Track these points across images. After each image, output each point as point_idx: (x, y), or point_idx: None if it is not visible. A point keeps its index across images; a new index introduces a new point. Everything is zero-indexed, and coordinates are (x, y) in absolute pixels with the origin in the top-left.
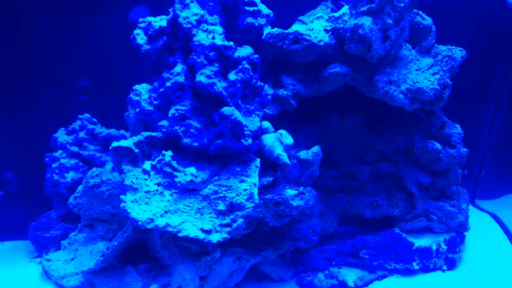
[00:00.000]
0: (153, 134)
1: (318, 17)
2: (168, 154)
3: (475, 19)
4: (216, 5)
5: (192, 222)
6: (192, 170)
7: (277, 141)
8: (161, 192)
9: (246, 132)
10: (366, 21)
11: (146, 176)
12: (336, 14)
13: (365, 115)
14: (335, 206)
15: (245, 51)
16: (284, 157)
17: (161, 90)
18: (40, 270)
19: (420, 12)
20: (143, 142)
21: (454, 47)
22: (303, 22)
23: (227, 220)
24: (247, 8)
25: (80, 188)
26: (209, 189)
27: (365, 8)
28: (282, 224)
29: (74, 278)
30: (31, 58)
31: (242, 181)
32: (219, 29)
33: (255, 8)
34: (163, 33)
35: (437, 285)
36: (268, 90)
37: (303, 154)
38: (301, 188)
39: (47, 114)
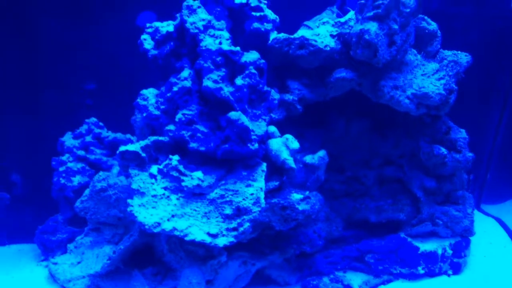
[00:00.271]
0: (160, 138)
1: (324, 22)
2: (175, 158)
3: (480, 24)
4: (223, 10)
5: (199, 226)
6: (198, 174)
7: (283, 145)
8: (168, 196)
9: (253, 137)
10: (372, 26)
11: (153, 180)
12: (342, 20)
13: (371, 120)
14: (340, 210)
15: (251, 56)
16: (290, 162)
17: (168, 94)
18: (47, 274)
19: (426, 18)
20: (150, 147)
21: (459, 52)
22: (309, 27)
23: (233, 224)
24: (253, 13)
25: (87, 192)
26: (216, 193)
27: (371, 14)
28: (288, 228)
29: (81, 281)
30: (39, 63)
31: (249, 185)
32: (226, 34)
33: (262, 14)
34: (170, 38)
35: None
36: (275, 95)
37: (309, 158)
38: (307, 192)
39: (54, 118)
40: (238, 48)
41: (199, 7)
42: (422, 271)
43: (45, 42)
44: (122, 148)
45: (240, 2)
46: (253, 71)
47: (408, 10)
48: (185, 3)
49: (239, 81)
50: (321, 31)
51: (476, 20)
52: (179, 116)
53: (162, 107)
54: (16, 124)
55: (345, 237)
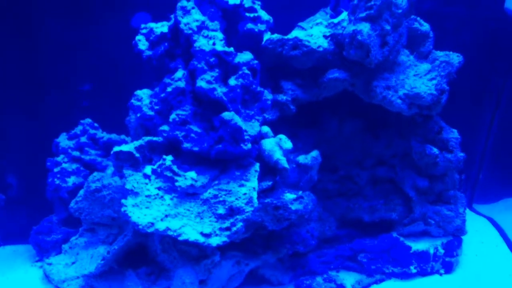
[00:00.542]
0: (154, 138)
1: (317, 23)
2: (168, 158)
3: (473, 25)
4: (217, 11)
5: (192, 226)
6: (192, 174)
7: (277, 145)
8: (162, 196)
9: (246, 137)
10: (365, 27)
11: (147, 181)
12: (335, 20)
13: (364, 120)
14: (333, 210)
15: (245, 56)
16: (283, 162)
17: (162, 95)
18: (41, 274)
19: (418, 18)
20: (144, 147)
21: (451, 52)
22: (303, 28)
23: (226, 224)
24: (247, 14)
25: (81, 192)
26: (209, 193)
27: (363, 15)
28: (281, 228)
29: (75, 282)
30: (34, 64)
31: (242, 185)
32: (220, 35)
33: (255, 15)
34: (165, 39)
35: None
36: (268, 95)
37: (302, 158)
38: (300, 192)
39: (50, 119)
40: (231, 49)
41: (193, 8)
42: (414, 270)
43: (41, 44)
44: (116, 148)
45: (234, 3)
46: (247, 71)
47: (400, 11)
48: (179, 4)
49: (232, 81)
50: (314, 32)
51: (469, 21)
52: (173, 116)
53: (156, 107)
54: (11, 125)
55: (338, 236)
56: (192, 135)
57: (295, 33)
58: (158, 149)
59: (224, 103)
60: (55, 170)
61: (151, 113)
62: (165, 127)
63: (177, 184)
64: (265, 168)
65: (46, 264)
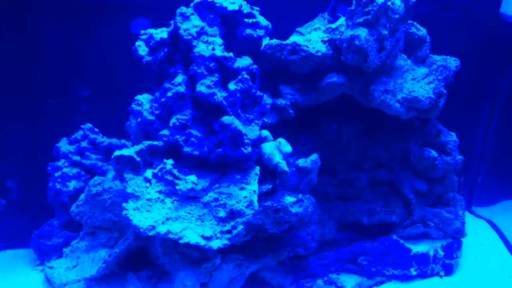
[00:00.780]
0: (155, 143)
1: (315, 29)
2: (169, 162)
3: (469, 30)
4: (216, 17)
5: (193, 229)
6: (192, 178)
7: (276, 149)
8: (163, 200)
9: (246, 141)
10: (362, 32)
11: (148, 184)
12: (333, 26)
13: (362, 123)
14: (333, 213)
15: (244, 61)
16: (283, 165)
17: (162, 100)
18: (42, 278)
19: (415, 23)
20: (144, 151)
21: (448, 57)
22: (301, 34)
23: (227, 226)
24: (246, 20)
25: (82, 196)
26: (210, 196)
27: (361, 20)
28: (281, 230)
29: (76, 285)
30: (35, 70)
31: (242, 188)
32: (219, 40)
33: (254, 20)
34: (164, 45)
35: None
36: (267, 100)
37: (301, 162)
38: (300, 195)
39: (50, 124)
40: (231, 54)
41: (192, 14)
42: (414, 273)
43: (41, 50)
44: (117, 152)
45: (233, 9)
46: (246, 76)
47: (397, 16)
48: (178, 10)
49: (232, 86)
50: (312, 37)
51: (465, 26)
52: (173, 121)
53: (157, 112)
54: (12, 130)
55: (338, 239)
56: (192, 139)
57: (294, 38)
58: (159, 153)
59: (224, 107)
60: (56, 174)
61: (151, 117)
62: (166, 132)
63: (177, 187)
64: (265, 172)
65: (47, 268)
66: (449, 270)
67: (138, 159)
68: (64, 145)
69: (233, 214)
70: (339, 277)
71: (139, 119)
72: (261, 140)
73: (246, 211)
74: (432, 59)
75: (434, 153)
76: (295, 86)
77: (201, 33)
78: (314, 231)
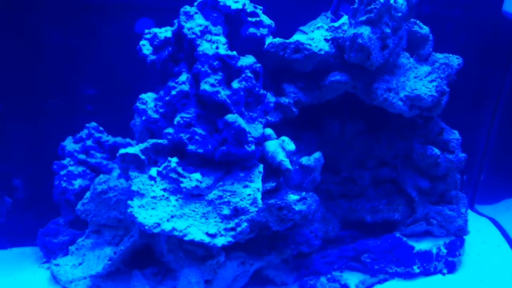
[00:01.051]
0: (159, 141)
1: (318, 27)
2: (173, 160)
3: (471, 28)
4: (219, 16)
5: (198, 226)
6: (197, 176)
7: (280, 147)
8: (167, 198)
9: (250, 139)
10: (365, 30)
11: (152, 182)
12: (336, 24)
13: (365, 121)
14: (336, 211)
15: (247, 60)
16: (287, 163)
17: (166, 98)
18: (49, 275)
19: (418, 22)
20: (149, 149)
21: (451, 55)
22: (304, 32)
23: (231, 224)
24: (249, 19)
25: (87, 194)
26: (214, 194)
27: (363, 18)
28: (284, 228)
29: (82, 282)
30: (40, 69)
31: (246, 186)
32: (223, 39)
33: (257, 19)
34: (168, 44)
35: None
36: (271, 98)
37: (305, 160)
38: (303, 193)
39: (55, 123)
40: (234, 53)
41: (196, 13)
42: (417, 270)
43: (46, 50)
44: (122, 151)
45: (236, 8)
46: (249, 74)
47: (399, 14)
48: (182, 9)
49: (235, 84)
50: (315, 36)
51: (467, 24)
52: (177, 119)
53: (161, 110)
54: (17, 129)
55: (341, 237)
56: (197, 137)
57: (297, 37)
58: (163, 152)
59: (227, 105)
60: (62, 173)
61: (156, 116)
62: (170, 130)
63: (182, 185)
64: (268, 170)
65: (54, 265)
66: (452, 267)
67: (143, 157)
68: (69, 144)
69: (237, 212)
70: (342, 275)
71: (143, 118)
72: (264, 138)
73: (250, 209)
74: (434, 57)
75: (436, 151)
76: (298, 85)
77: (205, 32)
78: (317, 229)
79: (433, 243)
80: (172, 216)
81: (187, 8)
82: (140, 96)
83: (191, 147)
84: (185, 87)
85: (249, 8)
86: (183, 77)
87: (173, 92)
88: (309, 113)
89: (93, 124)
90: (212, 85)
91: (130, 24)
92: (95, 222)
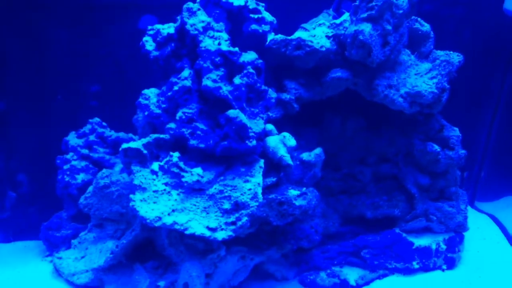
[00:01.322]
0: (161, 136)
1: (320, 24)
2: (175, 155)
3: (472, 25)
4: (222, 12)
5: (199, 220)
6: (198, 170)
7: (281, 143)
8: (169, 192)
9: (251, 134)
10: (366, 27)
11: (154, 176)
12: (337, 21)
13: (366, 118)
14: (337, 207)
15: (249, 56)
16: (287, 158)
17: (169, 94)
18: (51, 268)
19: (419, 19)
20: (151, 144)
21: (451, 52)
22: (306, 29)
23: (232, 218)
24: (251, 15)
25: (90, 188)
26: (215, 188)
27: (365, 15)
28: (285, 223)
29: (84, 275)
30: (45, 66)
31: (247, 181)
32: (225, 35)
33: (259, 16)
34: (171, 40)
35: (437, 284)
36: (272, 94)
37: (305, 155)
38: (304, 188)
39: (59, 119)
40: (236, 49)
41: (198, 9)
42: (416, 266)
43: (51, 48)
44: (125, 145)
45: (239, 4)
46: (251, 70)
47: (401, 11)
48: (185, 6)
49: (237, 80)
50: (317, 32)
51: (468, 22)
52: (179, 114)
53: (163, 106)
54: (22, 125)
55: (341, 232)
56: (198, 132)
57: (298, 33)
58: (165, 146)
59: (229, 101)
60: (65, 167)
61: (158, 111)
62: (172, 125)
63: (183, 180)
64: (269, 165)
65: (56, 259)
66: (451, 263)
67: (145, 151)
68: (72, 139)
69: (237, 206)
70: (342, 270)
71: (146, 113)
72: (265, 133)
73: (250, 203)
74: (435, 54)
75: (436, 147)
76: (300, 81)
77: (207, 28)
78: (317, 224)
79: (432, 239)
80: (173, 210)
81: (190, 4)
82: (143, 92)
83: (192, 142)
84: (187, 83)
85: (251, 5)
86: (186, 72)
87: (176, 88)
88: (310, 109)
89: (96, 119)
90: (214, 80)
91: (134, 21)
92: (97, 216)
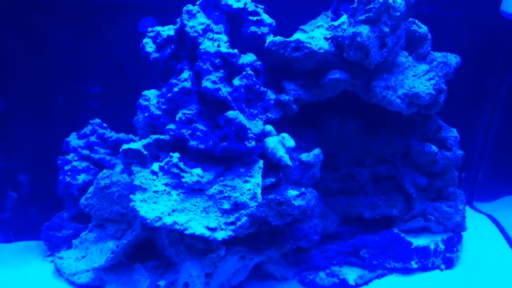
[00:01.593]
0: (161, 137)
1: (318, 26)
2: (175, 156)
3: (470, 27)
4: (221, 15)
5: (198, 220)
6: (198, 171)
7: (280, 143)
8: (169, 192)
9: (250, 135)
10: (364, 29)
11: (155, 177)
12: (336, 23)
13: (364, 119)
14: (335, 207)
15: (248, 58)
16: (286, 159)
17: (169, 95)
18: (52, 268)
19: (416, 21)
20: (151, 145)
21: (449, 53)
22: (304, 31)
23: (231, 218)
24: (250, 17)
25: (91, 189)
26: (215, 189)
27: (363, 17)
28: (284, 223)
29: (85, 275)
30: (45, 66)
31: (246, 181)
32: (224, 37)
33: (258, 18)
34: (171, 42)
35: (435, 284)
36: (271, 95)
37: (304, 156)
38: (303, 189)
39: (60, 120)
40: (235, 51)
41: (198, 11)
42: (415, 266)
43: (52, 48)
44: (125, 146)
45: (238, 7)
46: (250, 72)
47: (398, 13)
48: (185, 8)
49: (236, 81)
50: (315, 34)
51: (465, 23)
52: (179, 115)
53: (163, 107)
54: (22, 126)
55: (340, 233)
56: (198, 133)
57: (297, 35)
58: (165, 147)
59: (228, 102)
60: (66, 168)
61: (158, 112)
62: (172, 126)
63: (183, 180)
64: (268, 166)
65: (57, 258)
66: (449, 263)
67: (145, 152)
68: (73, 140)
69: (237, 206)
70: (341, 270)
71: (146, 114)
72: (264, 134)
73: (250, 203)
74: (433, 56)
75: (434, 148)
76: (299, 82)
77: (207, 30)
78: (316, 224)
79: (431, 239)
80: (173, 210)
81: (190, 7)
82: (143, 93)
83: (192, 142)
84: (187, 84)
85: (251, 7)
86: (185, 74)
87: (175, 89)
88: (309, 110)
89: (97, 120)
90: (214, 82)
91: (134, 22)
92: (98, 216)
